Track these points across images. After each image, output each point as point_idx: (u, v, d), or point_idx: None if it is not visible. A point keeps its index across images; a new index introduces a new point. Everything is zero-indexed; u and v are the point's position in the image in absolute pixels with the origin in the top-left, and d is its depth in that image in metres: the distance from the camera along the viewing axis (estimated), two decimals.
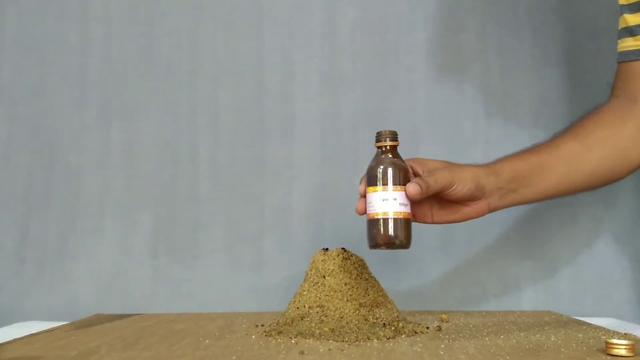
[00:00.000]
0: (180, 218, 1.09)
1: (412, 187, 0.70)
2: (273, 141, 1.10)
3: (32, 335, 0.79)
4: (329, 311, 0.78)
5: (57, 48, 1.13)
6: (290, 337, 0.74)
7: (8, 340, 0.75)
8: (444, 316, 0.89)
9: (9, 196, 1.10)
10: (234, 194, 1.09)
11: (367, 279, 0.83)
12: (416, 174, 0.75)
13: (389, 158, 0.74)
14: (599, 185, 0.85)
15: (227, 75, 1.12)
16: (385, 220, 0.71)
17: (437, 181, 0.72)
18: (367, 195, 0.73)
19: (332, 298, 0.79)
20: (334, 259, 0.83)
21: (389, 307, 0.82)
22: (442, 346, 0.68)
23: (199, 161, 1.10)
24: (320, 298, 0.80)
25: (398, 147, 0.75)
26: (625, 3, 0.82)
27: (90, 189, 1.10)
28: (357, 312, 0.78)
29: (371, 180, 0.73)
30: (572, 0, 1.10)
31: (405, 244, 0.72)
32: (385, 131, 0.75)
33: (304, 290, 0.82)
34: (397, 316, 0.81)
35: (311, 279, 0.82)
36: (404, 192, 0.71)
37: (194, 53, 1.13)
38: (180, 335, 0.78)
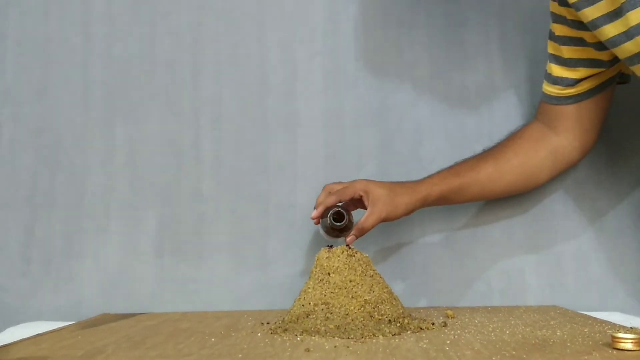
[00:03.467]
0: (185, 217, 1.09)
1: (350, 239, 0.91)
2: (276, 139, 1.10)
3: (38, 335, 0.79)
4: (334, 308, 0.78)
5: (59, 48, 1.13)
6: (296, 335, 0.74)
7: (15, 340, 0.75)
8: (449, 312, 0.89)
9: (13, 197, 1.10)
10: (238, 192, 1.09)
11: (372, 275, 0.83)
12: (363, 202, 0.94)
13: (338, 237, 0.95)
14: (505, 196, 1.05)
15: (229, 73, 1.12)
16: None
17: (372, 224, 0.92)
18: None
19: (337, 295, 0.79)
20: (339, 256, 0.83)
21: (394, 303, 0.82)
22: (448, 342, 0.68)
23: (203, 160, 1.10)
24: (325, 295, 0.80)
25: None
26: (552, 52, 0.93)
27: (95, 189, 1.10)
28: (362, 309, 0.78)
29: (327, 233, 0.95)
30: None
31: None
32: (335, 219, 0.91)
33: (309, 288, 0.82)
34: (403, 312, 0.81)
35: (316, 277, 0.82)
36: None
37: (196, 52, 1.13)
38: (186, 333, 0.78)
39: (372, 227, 0.92)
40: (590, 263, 1.05)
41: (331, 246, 0.86)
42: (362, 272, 0.82)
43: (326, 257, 0.83)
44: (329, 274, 0.82)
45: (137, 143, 1.11)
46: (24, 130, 1.12)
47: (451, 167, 0.98)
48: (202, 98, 1.12)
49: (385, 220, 0.93)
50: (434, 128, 1.09)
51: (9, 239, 1.09)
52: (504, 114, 1.08)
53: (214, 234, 1.09)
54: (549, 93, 0.95)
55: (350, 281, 0.80)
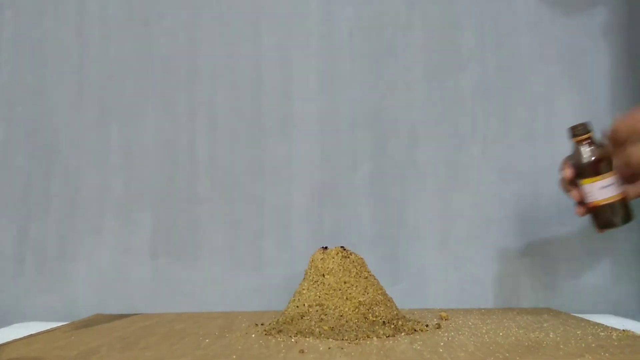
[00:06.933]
0: (180, 218, 1.09)
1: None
2: (272, 141, 1.11)
3: (31, 335, 0.79)
4: (328, 310, 0.78)
5: (54, 49, 1.13)
6: (290, 336, 0.74)
7: (8, 341, 0.75)
8: (443, 314, 0.90)
9: (7, 198, 1.10)
10: (233, 193, 1.09)
11: (367, 277, 0.83)
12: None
13: (593, 149, 0.79)
14: None
15: (225, 75, 1.12)
16: (611, 205, 0.78)
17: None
18: (584, 186, 0.79)
19: (331, 296, 0.79)
20: (334, 258, 0.83)
21: (388, 305, 0.82)
22: (442, 344, 0.68)
23: (198, 161, 1.10)
24: (319, 297, 0.80)
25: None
26: None
27: (89, 190, 1.10)
28: (356, 310, 0.78)
29: (585, 172, 0.79)
30: None
31: (631, 219, 0.79)
32: (580, 125, 0.79)
33: (304, 289, 0.82)
34: (397, 314, 0.82)
35: (311, 278, 0.83)
36: (614, 176, 0.77)
37: (191, 53, 1.13)
38: (180, 334, 0.78)
39: None
40: (583, 265, 1.06)
41: (326, 247, 0.86)
42: (356, 273, 0.82)
43: (321, 259, 0.84)
44: (323, 275, 0.82)
45: (132, 144, 1.11)
46: (18, 131, 1.12)
47: None
48: (197, 99, 1.12)
49: None
50: (429, 131, 1.09)
51: (3, 239, 1.09)
52: (499, 117, 1.09)
53: (208, 235, 1.09)
54: None
55: (345, 283, 0.81)
